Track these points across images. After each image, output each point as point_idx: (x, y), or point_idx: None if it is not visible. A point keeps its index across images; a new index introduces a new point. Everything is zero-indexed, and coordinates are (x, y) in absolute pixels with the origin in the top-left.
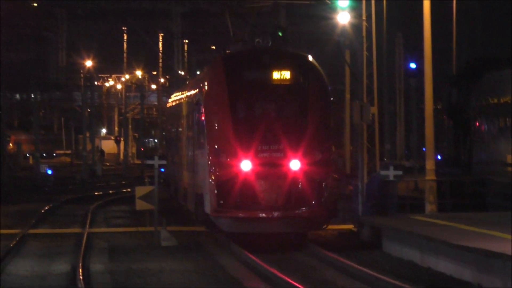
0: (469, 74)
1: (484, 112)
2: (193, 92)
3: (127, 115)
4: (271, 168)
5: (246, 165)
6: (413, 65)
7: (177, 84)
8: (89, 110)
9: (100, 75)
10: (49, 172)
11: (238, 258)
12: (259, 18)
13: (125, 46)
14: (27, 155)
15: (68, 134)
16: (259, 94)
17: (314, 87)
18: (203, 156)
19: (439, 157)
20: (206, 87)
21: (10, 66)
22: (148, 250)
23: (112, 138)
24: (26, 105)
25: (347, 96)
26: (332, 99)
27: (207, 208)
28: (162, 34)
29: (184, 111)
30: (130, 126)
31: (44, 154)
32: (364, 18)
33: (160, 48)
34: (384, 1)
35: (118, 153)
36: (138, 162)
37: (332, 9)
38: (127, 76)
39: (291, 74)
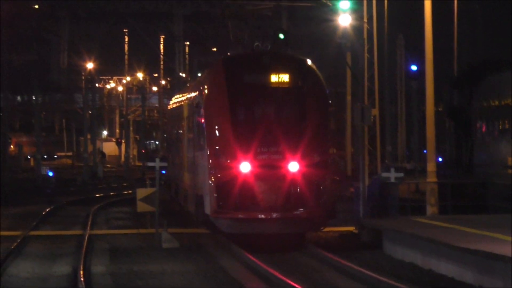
0: (470, 76)
1: (485, 114)
2: (193, 94)
3: (128, 117)
4: (270, 170)
5: (245, 167)
6: (414, 67)
7: (178, 86)
8: (90, 112)
9: (101, 77)
10: (50, 174)
11: (239, 260)
12: (261, 20)
13: (126, 48)
14: (28, 157)
15: (69, 136)
16: (259, 97)
17: (312, 90)
18: (203, 158)
19: (440, 159)
20: (206, 90)
21: (11, 68)
22: (149, 252)
23: (113, 140)
24: (27, 107)
25: (348, 98)
26: (330, 102)
27: (207, 209)
28: (163, 36)
29: (185, 113)
30: (131, 128)
31: (45, 156)
32: (365, 20)
33: (162, 50)
34: (385, 3)
35: (119, 155)
36: (139, 164)
37: (333, 11)
38: (128, 78)
39: (290, 77)
